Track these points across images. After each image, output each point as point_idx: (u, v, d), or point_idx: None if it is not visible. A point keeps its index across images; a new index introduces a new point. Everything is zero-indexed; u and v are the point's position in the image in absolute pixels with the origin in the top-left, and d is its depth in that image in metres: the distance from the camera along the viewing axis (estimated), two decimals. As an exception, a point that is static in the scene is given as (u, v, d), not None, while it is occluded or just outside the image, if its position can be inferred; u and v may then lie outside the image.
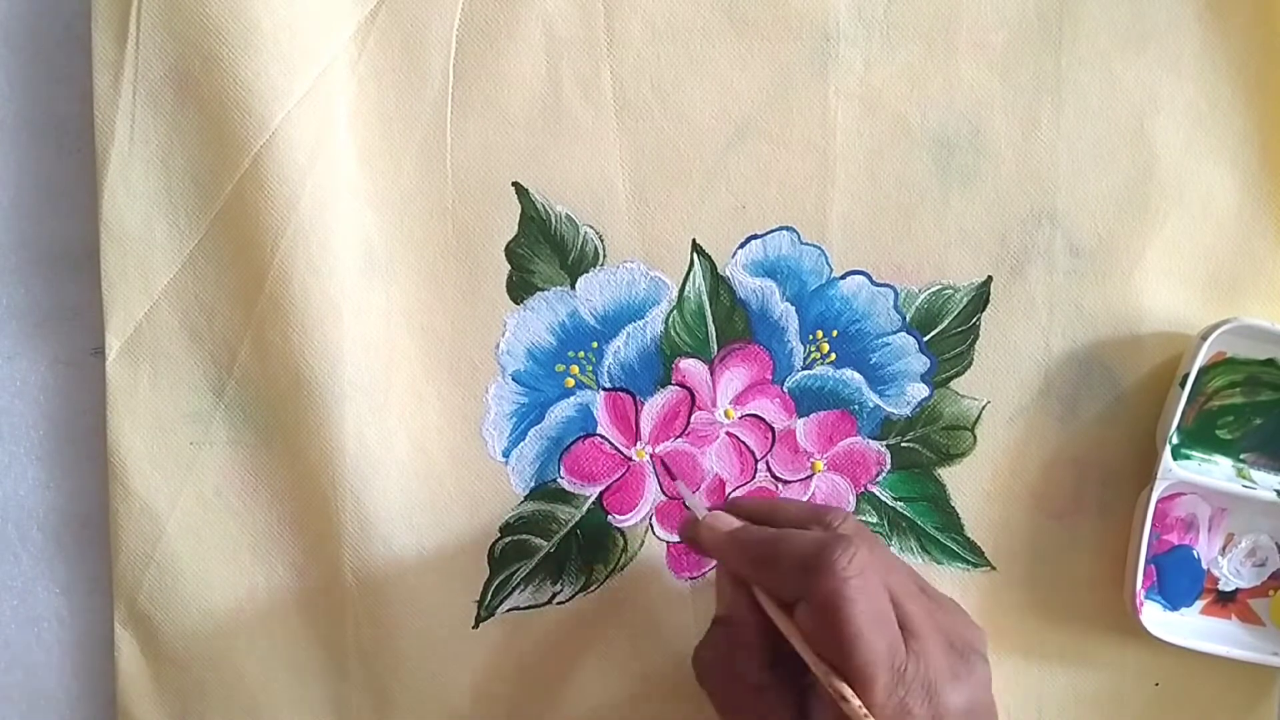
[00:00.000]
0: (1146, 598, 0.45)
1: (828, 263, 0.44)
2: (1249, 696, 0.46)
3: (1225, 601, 0.46)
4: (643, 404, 0.43)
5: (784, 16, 0.42)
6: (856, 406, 0.44)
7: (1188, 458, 0.45)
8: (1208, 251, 0.45)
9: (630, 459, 0.44)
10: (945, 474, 0.45)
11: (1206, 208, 0.44)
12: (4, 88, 0.41)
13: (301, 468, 0.41)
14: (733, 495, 0.44)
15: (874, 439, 0.44)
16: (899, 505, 0.45)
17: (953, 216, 0.44)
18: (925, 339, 0.44)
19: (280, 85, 0.39)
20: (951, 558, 0.45)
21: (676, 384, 0.44)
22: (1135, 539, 0.44)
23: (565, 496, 0.43)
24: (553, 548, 0.44)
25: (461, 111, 0.42)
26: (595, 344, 0.43)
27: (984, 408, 0.45)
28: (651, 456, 0.43)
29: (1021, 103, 0.43)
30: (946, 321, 0.44)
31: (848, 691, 0.32)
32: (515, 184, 0.42)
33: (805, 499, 0.44)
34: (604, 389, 0.43)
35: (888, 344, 0.44)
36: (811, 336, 0.44)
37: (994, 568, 0.45)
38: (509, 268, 0.42)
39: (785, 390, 0.44)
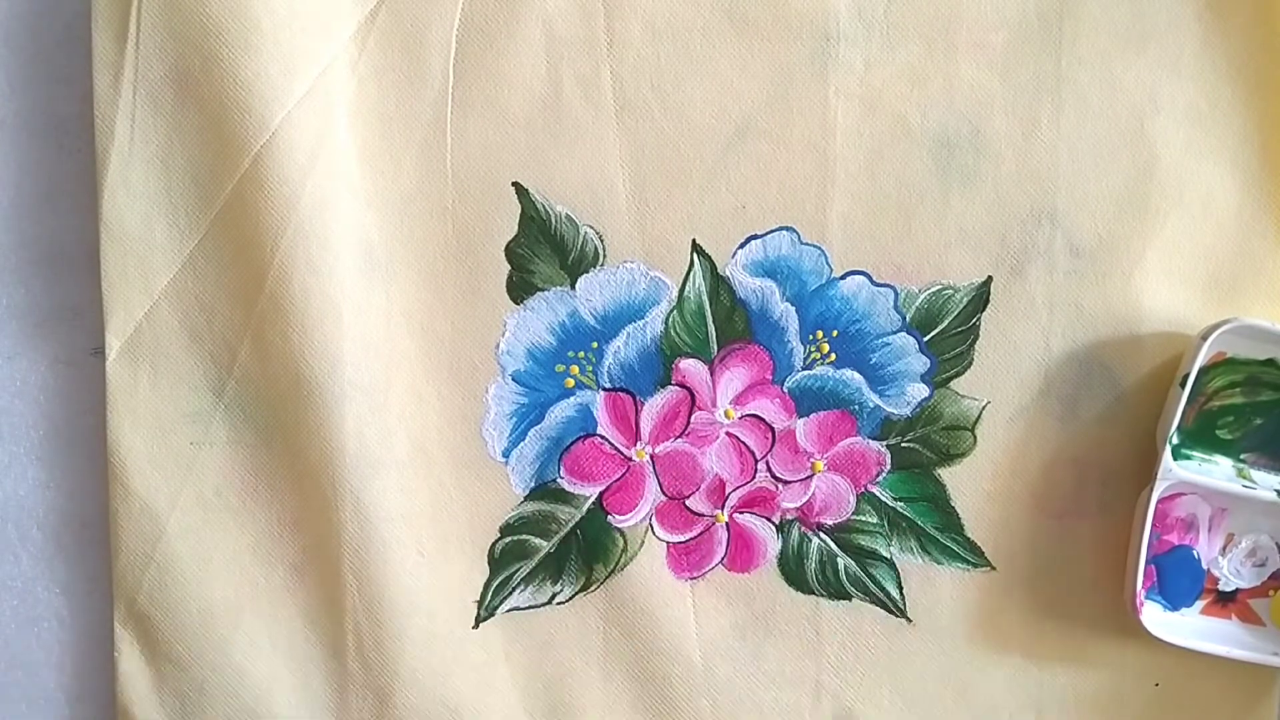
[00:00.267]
0: (1146, 598, 0.45)
1: (828, 263, 0.44)
2: (1249, 696, 0.46)
3: (1225, 601, 0.46)
4: (643, 404, 0.43)
5: (784, 16, 0.42)
6: (856, 406, 0.44)
7: (1188, 458, 0.45)
8: (1208, 251, 0.45)
9: (630, 459, 0.44)
10: (945, 474, 0.45)
11: (1206, 208, 0.44)
12: (4, 88, 0.41)
13: (301, 468, 0.41)
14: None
15: (874, 439, 0.44)
16: (899, 505, 0.45)
17: (953, 216, 0.44)
18: (925, 339, 0.44)
19: (280, 85, 0.39)
20: (951, 558, 0.45)
21: (676, 384, 0.44)
22: (1135, 539, 0.44)
23: (565, 496, 0.43)
24: (553, 548, 0.44)
25: (461, 111, 0.42)
26: (595, 344, 0.43)
27: (984, 408, 0.45)
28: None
29: (1021, 103, 0.43)
30: (946, 321, 0.44)
31: None
32: (515, 184, 0.42)
33: (805, 499, 0.44)
34: (604, 389, 0.43)
35: (888, 344, 0.44)
36: (811, 336, 0.44)
37: (994, 568, 0.45)
38: (509, 268, 0.42)
39: (785, 390, 0.44)
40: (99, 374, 0.41)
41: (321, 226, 0.40)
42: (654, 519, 0.44)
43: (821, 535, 0.45)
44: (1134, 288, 0.44)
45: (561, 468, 0.43)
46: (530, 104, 0.42)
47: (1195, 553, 0.46)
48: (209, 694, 0.42)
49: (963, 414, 0.45)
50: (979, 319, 0.44)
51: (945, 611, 0.45)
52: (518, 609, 0.44)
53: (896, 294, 0.44)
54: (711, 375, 0.44)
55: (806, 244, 0.43)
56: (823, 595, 0.45)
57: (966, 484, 0.45)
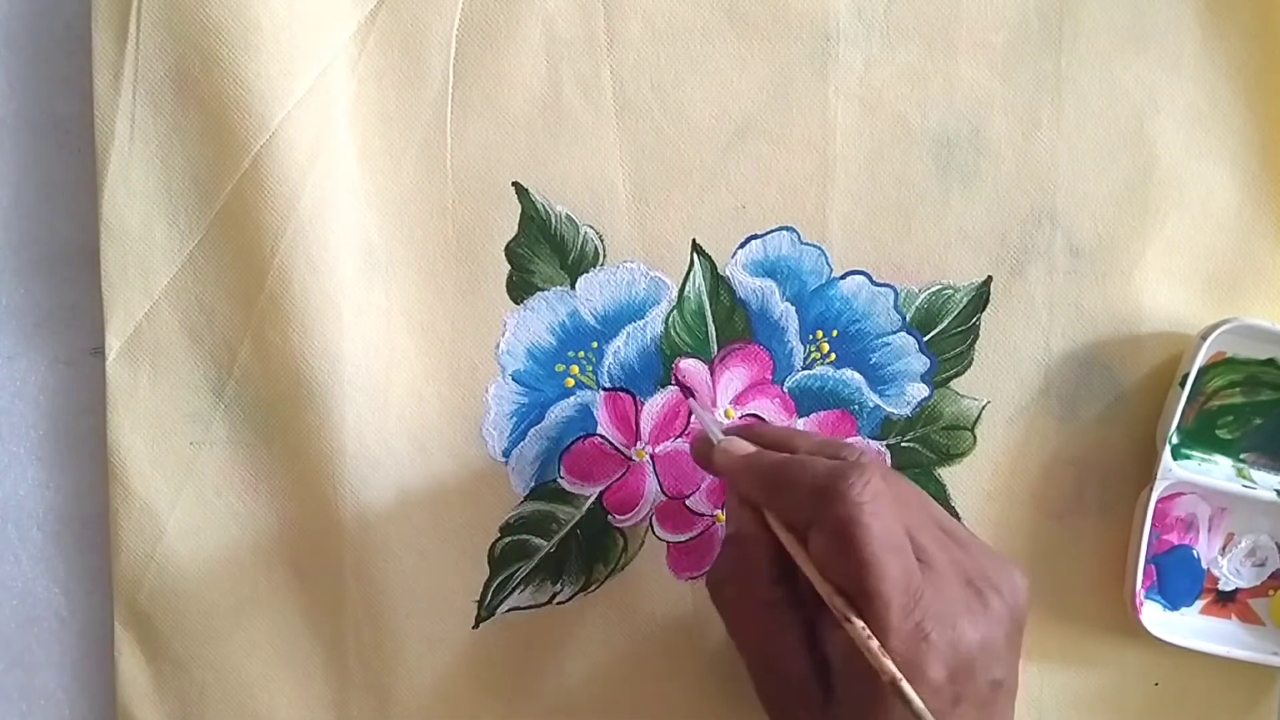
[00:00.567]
0: (1146, 598, 0.45)
1: (828, 263, 0.44)
2: (1249, 696, 0.46)
3: (1225, 601, 0.46)
4: (643, 404, 0.43)
5: (784, 16, 0.42)
6: (856, 406, 0.44)
7: (1188, 458, 0.45)
8: (1208, 251, 0.45)
9: (630, 459, 0.44)
10: (945, 474, 0.45)
11: (1206, 208, 0.44)
12: (4, 88, 0.41)
13: (301, 468, 0.41)
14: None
15: (874, 439, 0.44)
16: (899, 505, 0.45)
17: (953, 216, 0.44)
18: (925, 339, 0.44)
19: (280, 85, 0.39)
20: (951, 558, 0.45)
21: (676, 384, 0.44)
22: (1135, 539, 0.44)
23: (565, 496, 0.43)
24: (553, 548, 0.44)
25: (461, 111, 0.42)
26: (595, 344, 0.43)
27: (984, 408, 0.45)
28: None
29: (1021, 103, 0.43)
30: (946, 321, 0.44)
31: (851, 612, 0.32)
32: (515, 184, 0.42)
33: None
34: (604, 389, 0.43)
35: (888, 344, 0.44)
36: (811, 336, 0.44)
37: (994, 568, 0.45)
38: (509, 268, 0.42)
39: (785, 390, 0.44)
40: (99, 374, 0.41)
41: (321, 226, 0.40)
42: (654, 519, 0.44)
43: (821, 535, 0.45)
44: (1134, 288, 0.44)
45: (561, 468, 0.43)
46: (530, 104, 0.42)
47: (1195, 552, 0.46)
48: (209, 694, 0.42)
49: (962, 414, 0.45)
50: (979, 319, 0.44)
51: (945, 611, 0.45)
52: (518, 609, 0.44)
53: (896, 294, 0.44)
54: (711, 375, 0.44)
55: (806, 244, 0.43)
56: (823, 595, 0.45)
57: (966, 484, 0.45)
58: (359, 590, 0.42)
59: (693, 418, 0.44)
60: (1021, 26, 0.43)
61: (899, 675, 0.31)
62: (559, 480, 0.43)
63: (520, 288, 0.42)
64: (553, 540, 0.44)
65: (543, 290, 0.43)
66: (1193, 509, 0.46)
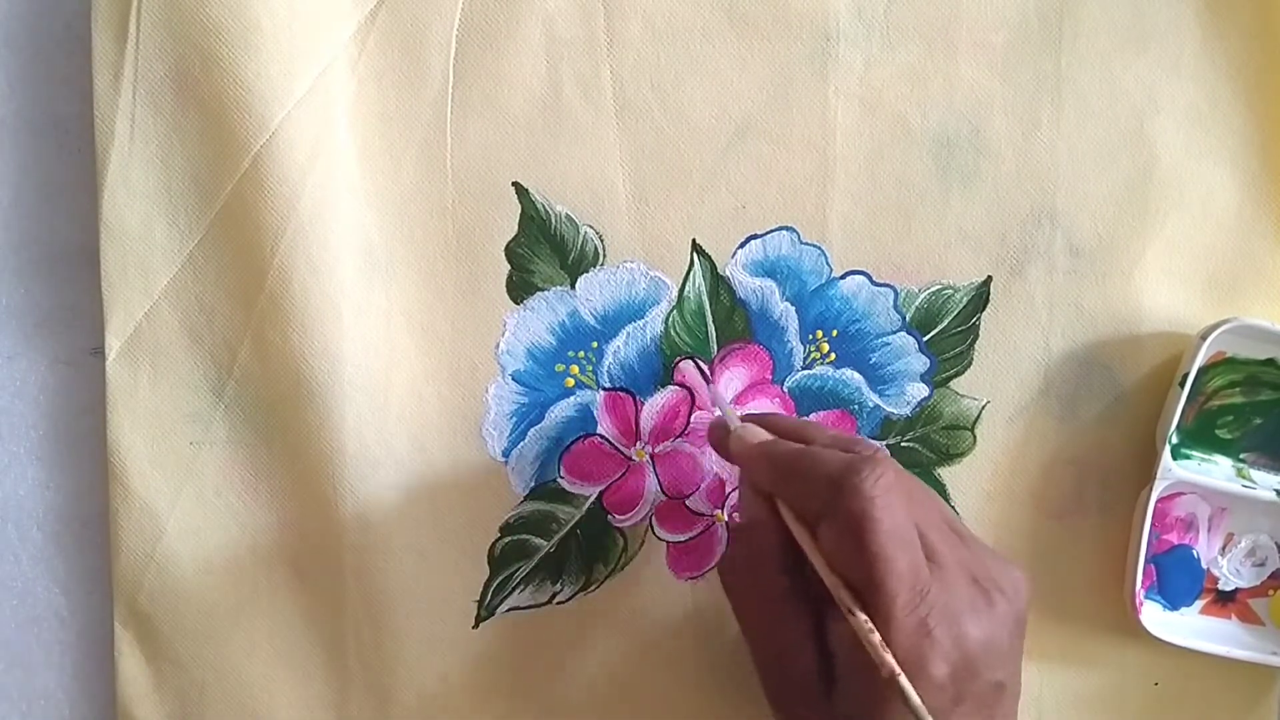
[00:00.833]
0: (1146, 597, 0.45)
1: (828, 263, 0.44)
2: (1249, 696, 0.46)
3: (1225, 601, 0.46)
4: (643, 404, 0.43)
5: (784, 16, 0.42)
6: (856, 406, 0.44)
7: (1187, 457, 0.45)
8: (1208, 251, 0.45)
9: (630, 459, 0.44)
10: (945, 474, 0.45)
11: (1206, 208, 0.44)
12: (4, 88, 0.41)
13: (301, 468, 0.41)
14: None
15: (874, 438, 0.44)
16: (899, 505, 0.45)
17: (953, 216, 0.44)
18: (925, 339, 0.44)
19: (280, 85, 0.39)
20: (951, 558, 0.45)
21: (676, 384, 0.44)
22: (1135, 539, 0.44)
23: (565, 496, 0.43)
24: (553, 548, 0.44)
25: (461, 111, 0.42)
26: (595, 344, 0.43)
27: (984, 408, 0.45)
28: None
29: (1021, 103, 0.43)
30: (946, 321, 0.44)
31: (855, 605, 0.32)
32: (515, 184, 0.42)
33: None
34: (604, 389, 0.43)
35: (887, 344, 0.44)
36: (811, 336, 0.44)
37: (994, 568, 0.45)
38: (509, 268, 0.42)
39: (785, 390, 0.44)
40: (99, 374, 0.41)
41: (321, 226, 0.40)
42: (654, 519, 0.44)
43: (821, 535, 0.45)
44: (1134, 288, 0.44)
45: (561, 467, 0.43)
46: (530, 104, 0.42)
47: (1195, 552, 0.46)
48: (209, 694, 0.42)
49: (962, 414, 0.45)
50: (979, 319, 0.44)
51: (945, 611, 0.45)
52: (518, 609, 0.44)
53: (896, 294, 0.44)
54: (711, 375, 0.44)
55: (806, 244, 0.43)
56: (823, 595, 0.45)
57: (966, 484, 0.45)
58: (359, 590, 0.42)
59: (692, 417, 0.44)
60: (1021, 26, 0.43)
61: (898, 670, 0.31)
62: (559, 480, 0.43)
63: (520, 288, 0.42)
64: (553, 540, 0.44)
65: (543, 290, 0.43)
66: (1193, 509, 0.46)
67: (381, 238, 0.42)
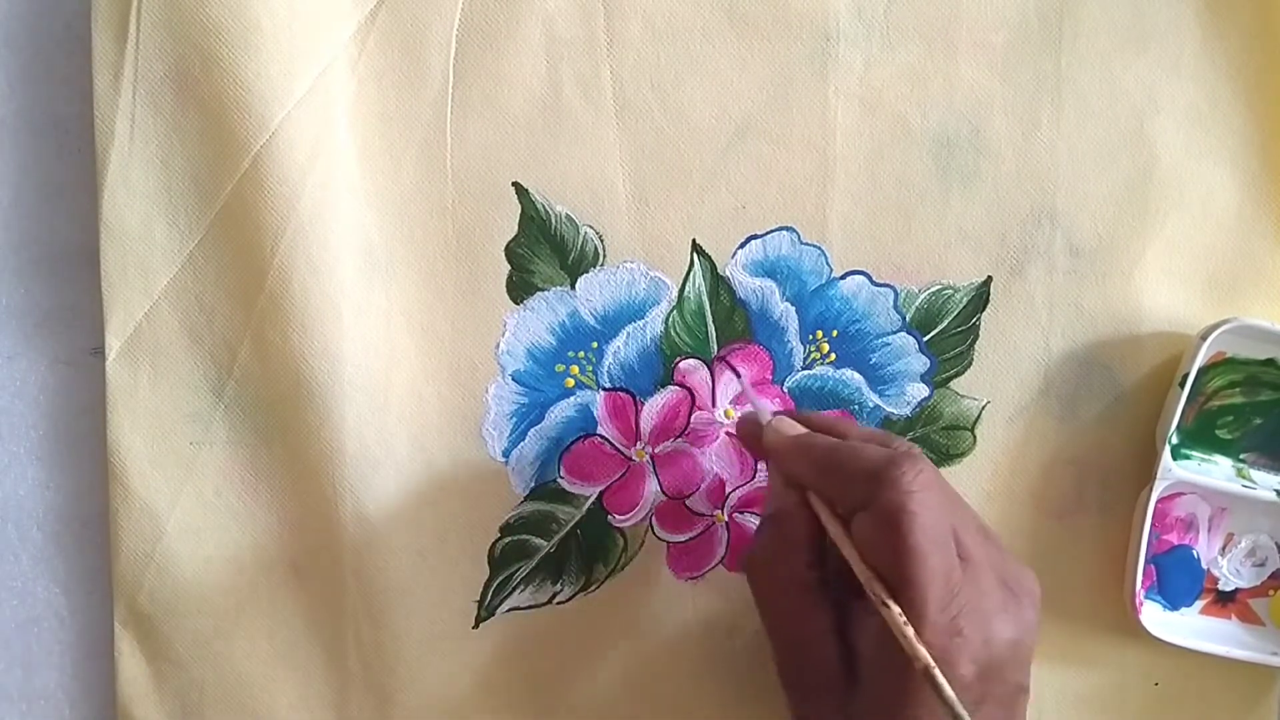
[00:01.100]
0: (1146, 598, 0.45)
1: (828, 263, 0.44)
2: (1249, 696, 0.46)
3: (1225, 601, 0.46)
4: (643, 404, 0.43)
5: (784, 16, 0.42)
6: (856, 406, 0.44)
7: (1187, 458, 0.45)
8: (1208, 251, 0.45)
9: (630, 459, 0.44)
10: (945, 474, 0.44)
11: (1206, 208, 0.44)
12: (4, 88, 0.41)
13: (301, 468, 0.41)
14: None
15: (874, 439, 0.44)
16: (899, 505, 0.45)
17: (953, 216, 0.44)
18: (925, 339, 0.44)
19: (280, 85, 0.39)
20: (951, 558, 0.45)
21: (676, 384, 0.44)
22: (1135, 539, 0.44)
23: (565, 496, 0.43)
24: (553, 548, 0.44)
25: (461, 111, 0.42)
26: (595, 344, 0.43)
27: (984, 408, 0.45)
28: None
29: (1021, 103, 0.43)
30: (946, 321, 0.44)
31: (889, 598, 0.32)
32: (515, 184, 0.42)
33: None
34: (604, 389, 0.43)
35: (888, 344, 0.44)
36: (811, 336, 0.44)
37: (994, 568, 0.45)
38: (509, 268, 0.42)
39: (785, 390, 0.44)
40: (99, 374, 0.41)
41: (321, 226, 0.40)
42: (654, 519, 0.44)
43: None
44: (1134, 288, 0.44)
45: (561, 468, 0.43)
46: (530, 104, 0.42)
47: (1195, 552, 0.46)
48: (209, 694, 0.42)
49: (962, 414, 0.45)
50: (979, 319, 0.44)
51: (945, 611, 0.45)
52: (518, 609, 0.44)
53: (896, 294, 0.44)
54: (711, 375, 0.44)
55: (806, 244, 0.43)
56: (823, 595, 0.45)
57: (966, 484, 0.45)
58: (359, 590, 0.42)
59: (692, 417, 0.44)
60: (1021, 26, 0.43)
61: (932, 663, 0.31)
62: (559, 480, 0.43)
63: (520, 288, 0.42)
64: (553, 540, 0.44)
65: (543, 290, 0.43)
66: (1193, 509, 0.46)
67: (381, 238, 0.42)
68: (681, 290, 0.43)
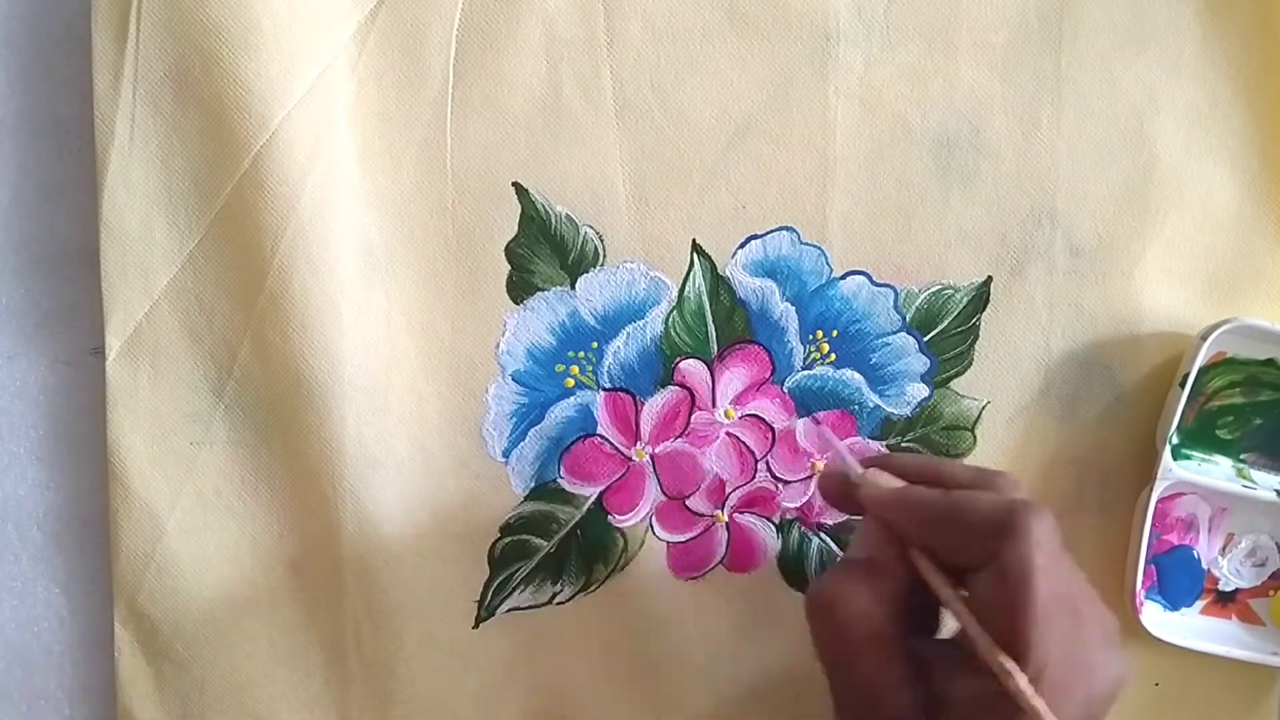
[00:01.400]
0: (1146, 598, 0.45)
1: (828, 263, 0.44)
2: (1249, 696, 0.46)
3: (1225, 601, 0.46)
4: (643, 404, 0.43)
5: (784, 16, 0.42)
6: (856, 407, 0.44)
7: (1188, 458, 0.45)
8: (1208, 251, 0.45)
9: (630, 459, 0.44)
10: (945, 474, 0.45)
11: (1206, 208, 0.44)
12: (4, 88, 0.41)
13: (301, 468, 0.41)
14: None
15: (874, 439, 0.44)
16: (899, 505, 0.45)
17: (953, 216, 0.44)
18: (925, 339, 0.44)
19: (280, 85, 0.39)
20: (951, 558, 0.45)
21: (676, 384, 0.44)
22: (1135, 539, 0.44)
23: (565, 497, 0.43)
24: (553, 548, 0.44)
25: (461, 111, 0.42)
26: (595, 344, 0.43)
27: (984, 408, 0.45)
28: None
29: (1021, 103, 0.43)
30: (946, 321, 0.44)
31: (1013, 667, 0.30)
32: (515, 184, 0.42)
33: (805, 499, 0.44)
34: (604, 389, 0.43)
35: (888, 344, 0.44)
36: (811, 336, 0.44)
37: (994, 568, 0.45)
38: (509, 268, 0.42)
39: (785, 390, 0.44)
40: (99, 374, 0.41)
41: (321, 226, 0.40)
42: (654, 519, 0.44)
43: (822, 535, 0.45)
44: (1134, 288, 0.44)
45: (561, 468, 0.43)
46: (530, 104, 0.42)
47: (1195, 552, 0.46)
48: (209, 694, 0.42)
49: (963, 414, 0.45)
50: (979, 319, 0.44)
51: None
52: (518, 609, 0.44)
53: (896, 294, 0.44)
54: (711, 375, 0.44)
55: (806, 244, 0.43)
56: (823, 595, 0.45)
57: (966, 484, 0.45)
58: (359, 590, 0.42)
59: (693, 417, 0.44)
60: (1021, 26, 0.43)
61: None
62: (559, 480, 0.43)
63: (520, 288, 0.42)
64: (553, 540, 0.44)
65: (543, 290, 0.43)
66: (1193, 509, 0.46)
67: (381, 238, 0.42)
68: (681, 290, 0.43)
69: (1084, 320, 0.44)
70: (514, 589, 0.44)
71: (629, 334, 0.43)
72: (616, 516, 0.44)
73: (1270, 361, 0.44)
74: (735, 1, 0.42)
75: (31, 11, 0.41)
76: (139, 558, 0.41)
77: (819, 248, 0.43)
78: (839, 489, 0.37)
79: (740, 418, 0.44)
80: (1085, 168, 0.44)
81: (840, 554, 0.45)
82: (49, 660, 0.43)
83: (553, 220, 0.42)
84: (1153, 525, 0.44)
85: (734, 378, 0.44)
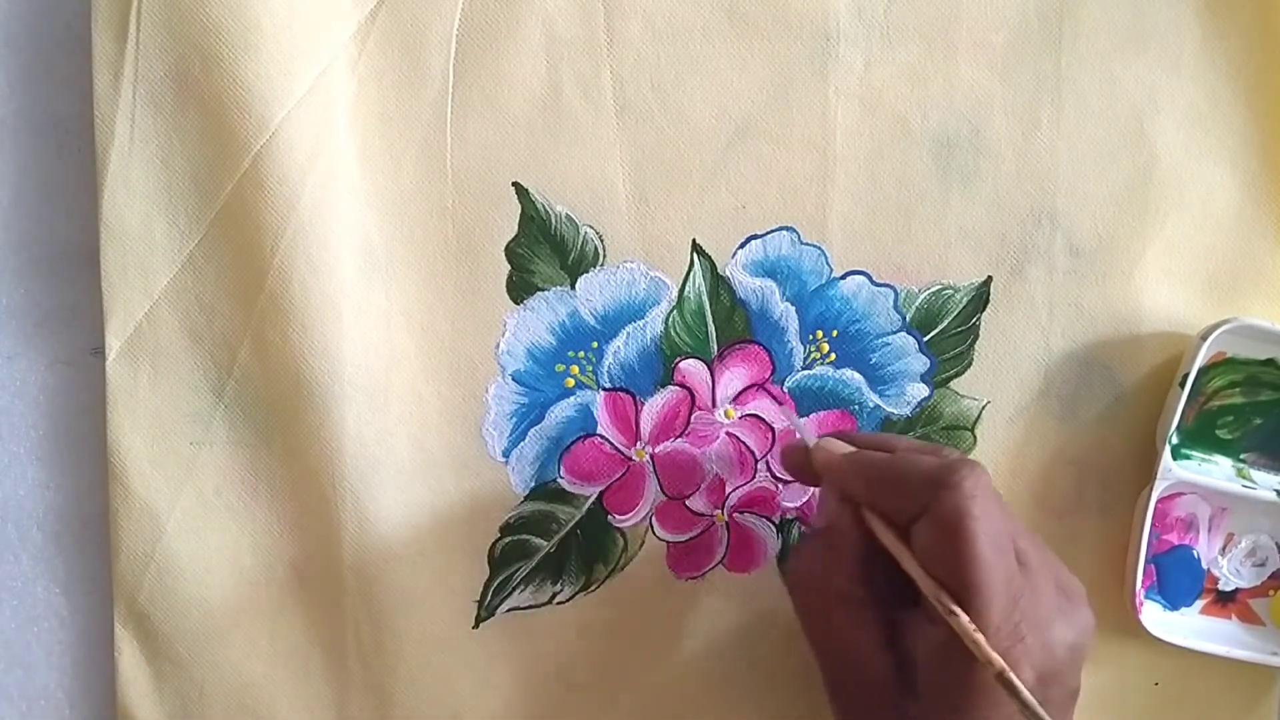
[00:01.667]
0: (1146, 598, 0.45)
1: (828, 263, 0.44)
2: (1249, 696, 0.46)
3: (1225, 601, 0.46)
4: (643, 404, 0.43)
5: (784, 16, 0.42)
6: (856, 406, 0.44)
7: (1188, 458, 0.45)
8: (1208, 251, 0.45)
9: (630, 459, 0.44)
10: (945, 474, 0.45)
11: (1206, 208, 0.44)
12: (4, 88, 0.41)
13: (301, 468, 0.41)
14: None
15: (874, 439, 0.44)
16: (899, 505, 0.45)
17: (953, 216, 0.44)
18: (925, 339, 0.44)
19: (280, 85, 0.39)
20: (951, 558, 0.45)
21: (676, 384, 0.44)
22: (1135, 539, 0.44)
23: (565, 496, 0.43)
24: (553, 548, 0.44)
25: (461, 111, 0.42)
26: (595, 344, 0.43)
27: (984, 408, 0.45)
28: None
29: (1021, 103, 0.43)
30: (946, 321, 0.44)
31: (956, 607, 0.32)
32: (515, 184, 0.42)
33: (805, 499, 0.44)
34: (604, 389, 0.43)
35: (888, 344, 0.44)
36: (811, 336, 0.44)
37: (994, 568, 0.45)
38: (509, 268, 0.42)
39: (785, 390, 0.44)
40: (99, 374, 0.41)
41: (321, 226, 0.40)
42: (654, 519, 0.44)
43: (821, 535, 0.45)
44: (1134, 288, 0.44)
45: (561, 468, 0.43)
46: (530, 104, 0.42)
47: (1195, 552, 0.46)
48: (209, 694, 0.42)
49: (963, 414, 0.45)
50: (979, 319, 0.44)
51: (945, 611, 0.45)
52: (518, 609, 0.44)
53: (896, 294, 0.44)
54: (711, 375, 0.44)
55: (806, 244, 0.43)
56: (823, 595, 0.45)
57: (966, 484, 0.45)
58: (359, 590, 0.42)
59: (693, 416, 0.44)
60: (1021, 26, 0.43)
61: (1005, 667, 0.31)
62: (559, 480, 0.43)
63: (520, 288, 0.42)
64: (553, 540, 0.44)
65: (543, 290, 0.43)
66: (1193, 509, 0.46)
67: (381, 238, 0.42)
68: (681, 290, 0.43)
69: (1084, 320, 0.44)
70: (514, 589, 0.44)
71: (629, 334, 0.43)
72: (616, 516, 0.44)
73: (1270, 361, 0.44)
74: (735, 1, 0.42)
75: (31, 11, 0.41)
76: (139, 558, 0.41)
77: (819, 248, 0.43)
78: (799, 460, 0.40)
79: (740, 418, 0.44)
80: (1085, 168, 0.44)
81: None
82: (49, 660, 0.43)
83: (553, 220, 0.42)
84: (1153, 525, 0.44)
85: (734, 378, 0.44)
